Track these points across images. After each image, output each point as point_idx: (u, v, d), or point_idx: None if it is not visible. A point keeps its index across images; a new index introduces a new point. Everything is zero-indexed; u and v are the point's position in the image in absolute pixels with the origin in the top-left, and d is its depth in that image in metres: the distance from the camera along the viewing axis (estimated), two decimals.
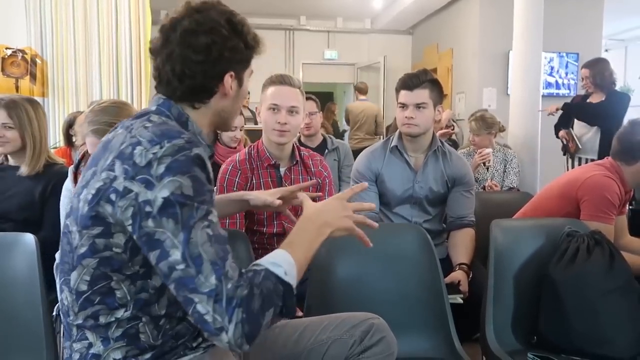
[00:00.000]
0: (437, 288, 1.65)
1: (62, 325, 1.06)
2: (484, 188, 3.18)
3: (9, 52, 3.94)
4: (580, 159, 3.73)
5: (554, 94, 5.91)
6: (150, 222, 0.86)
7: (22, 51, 4.00)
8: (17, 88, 3.96)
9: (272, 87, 1.84)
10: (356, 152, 2.89)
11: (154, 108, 1.04)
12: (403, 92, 2.05)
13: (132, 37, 4.09)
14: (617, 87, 3.83)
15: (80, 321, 0.97)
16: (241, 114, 2.99)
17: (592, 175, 1.87)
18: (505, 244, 1.71)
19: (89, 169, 0.98)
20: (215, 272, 0.84)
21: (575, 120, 3.75)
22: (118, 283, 0.94)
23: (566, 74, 6.02)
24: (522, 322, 1.65)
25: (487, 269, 1.69)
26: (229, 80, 1.05)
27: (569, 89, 5.97)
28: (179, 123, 1.03)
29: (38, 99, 3.67)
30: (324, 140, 3.16)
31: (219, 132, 2.87)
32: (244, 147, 2.47)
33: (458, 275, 1.89)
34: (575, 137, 3.67)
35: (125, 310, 0.95)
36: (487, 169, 3.27)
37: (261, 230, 1.87)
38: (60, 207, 1.87)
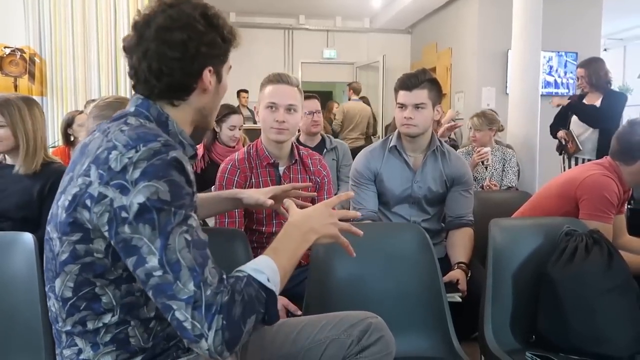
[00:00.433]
0: (436, 287, 1.65)
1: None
2: (482, 187, 3.19)
3: (7, 51, 3.94)
4: (577, 158, 3.73)
5: (553, 93, 5.91)
6: (126, 228, 0.85)
7: (21, 50, 4.00)
8: (15, 87, 3.95)
9: (270, 85, 1.84)
10: (352, 152, 2.90)
11: (132, 109, 1.02)
12: (402, 93, 2.05)
13: None
14: (616, 87, 3.83)
15: (68, 327, 0.96)
16: (240, 113, 2.99)
17: (591, 175, 1.87)
18: (503, 243, 1.71)
19: (67, 174, 0.96)
20: (194, 278, 0.83)
21: (572, 120, 3.75)
22: (102, 288, 0.93)
23: (565, 73, 6.02)
24: (521, 321, 1.65)
25: (486, 268, 1.69)
26: (207, 75, 1.02)
27: (567, 88, 5.98)
28: (158, 123, 1.01)
29: (37, 98, 3.67)
30: (323, 140, 3.15)
31: (217, 131, 2.87)
32: (243, 146, 2.47)
33: (457, 274, 1.89)
34: (575, 137, 3.67)
35: (113, 315, 0.94)
36: (486, 168, 3.27)
37: (260, 230, 1.87)
38: None
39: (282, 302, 1.59)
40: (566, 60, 6.01)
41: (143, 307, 0.96)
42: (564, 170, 3.80)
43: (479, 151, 3.19)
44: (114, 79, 4.18)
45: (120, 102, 1.80)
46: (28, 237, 1.52)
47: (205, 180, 2.48)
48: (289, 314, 1.60)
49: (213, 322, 0.82)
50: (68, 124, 3.24)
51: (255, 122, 4.76)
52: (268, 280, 0.91)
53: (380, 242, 1.70)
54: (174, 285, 0.83)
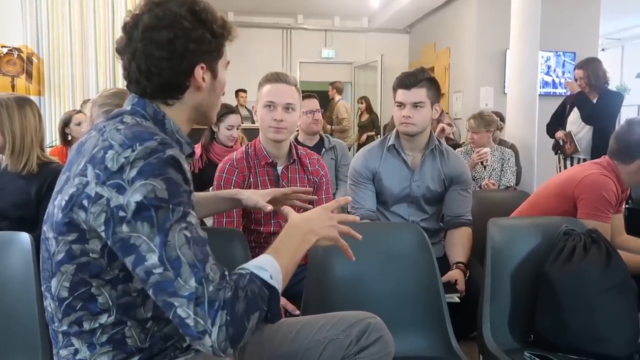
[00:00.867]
0: (434, 287, 1.64)
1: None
2: (480, 187, 3.19)
3: (4, 50, 3.93)
4: (572, 158, 3.74)
5: (551, 93, 5.92)
6: (124, 227, 0.84)
7: (18, 49, 3.99)
8: (13, 87, 3.95)
9: (268, 85, 1.83)
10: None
11: (128, 108, 1.01)
12: (400, 91, 2.04)
13: None
14: (614, 87, 3.85)
15: (65, 328, 0.95)
16: (238, 112, 2.99)
17: (589, 174, 1.87)
18: (502, 242, 1.71)
19: (63, 173, 0.96)
20: (195, 274, 0.82)
21: (568, 120, 3.77)
22: (98, 288, 0.92)
23: (563, 73, 6.03)
24: (519, 321, 1.65)
25: (484, 267, 1.69)
26: (200, 72, 1.00)
27: (565, 88, 5.98)
28: (155, 122, 1.00)
29: (34, 97, 3.66)
30: (321, 139, 3.16)
31: (215, 130, 2.87)
32: (241, 145, 2.47)
33: (455, 274, 1.89)
34: (574, 138, 3.68)
35: (109, 316, 0.93)
36: (485, 167, 3.28)
37: (258, 230, 1.86)
38: None
39: (280, 301, 1.58)
40: (564, 60, 6.02)
41: (140, 308, 0.96)
42: (559, 169, 3.82)
43: (478, 151, 3.20)
44: (111, 78, 4.17)
45: (124, 93, 1.79)
46: (25, 237, 1.51)
47: (203, 180, 2.47)
48: (287, 313, 1.60)
49: (217, 318, 0.81)
50: (65, 123, 3.24)
51: (253, 122, 4.75)
52: (271, 277, 0.91)
53: (379, 242, 1.69)
54: (175, 282, 0.82)
